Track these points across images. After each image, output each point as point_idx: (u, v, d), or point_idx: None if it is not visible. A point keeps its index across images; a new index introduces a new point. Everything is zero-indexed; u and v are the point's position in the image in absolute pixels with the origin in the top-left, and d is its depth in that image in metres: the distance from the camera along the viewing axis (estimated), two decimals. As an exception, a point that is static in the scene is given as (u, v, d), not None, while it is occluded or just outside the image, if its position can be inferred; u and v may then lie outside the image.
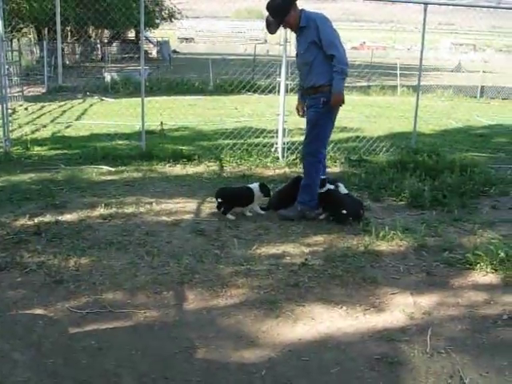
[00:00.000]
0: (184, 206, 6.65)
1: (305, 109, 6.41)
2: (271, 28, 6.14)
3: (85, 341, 3.90)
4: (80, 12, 26.19)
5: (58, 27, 20.75)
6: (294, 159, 8.79)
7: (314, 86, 6.08)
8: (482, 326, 4.29)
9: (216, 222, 6.13)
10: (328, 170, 8.34)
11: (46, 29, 23.07)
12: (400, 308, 4.47)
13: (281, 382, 3.52)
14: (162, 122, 11.15)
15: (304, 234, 5.90)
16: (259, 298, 4.52)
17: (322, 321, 4.25)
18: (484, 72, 24.39)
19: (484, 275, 5.09)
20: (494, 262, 5.14)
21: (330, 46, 5.90)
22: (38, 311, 4.29)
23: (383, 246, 5.63)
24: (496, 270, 5.10)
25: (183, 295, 4.51)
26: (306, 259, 5.18)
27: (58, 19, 21.17)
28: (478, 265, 5.18)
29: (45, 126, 11.98)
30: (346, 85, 6.10)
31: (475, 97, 22.67)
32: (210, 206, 6.71)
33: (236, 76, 12.61)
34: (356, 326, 4.22)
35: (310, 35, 5.92)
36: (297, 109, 6.62)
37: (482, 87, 23.28)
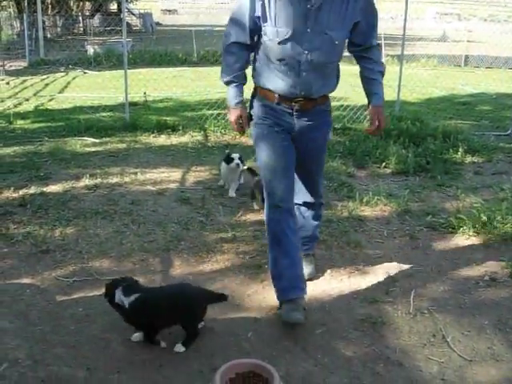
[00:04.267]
0: (169, 176, 6.66)
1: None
2: None
3: (72, 308, 3.94)
4: (60, -16, 25.83)
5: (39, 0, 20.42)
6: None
7: (325, 95, 3.70)
8: (463, 287, 4.37)
9: (201, 190, 6.15)
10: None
11: (26, 1, 22.69)
12: (383, 271, 4.54)
13: (267, 344, 3.57)
14: (145, 93, 11.07)
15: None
16: (245, 263, 4.58)
17: (306, 284, 4.30)
18: (469, 41, 24.34)
19: (466, 238, 5.16)
20: (477, 226, 5.21)
21: (374, 30, 3.63)
22: (26, 280, 4.31)
23: (367, 212, 5.68)
24: (478, 234, 5.18)
25: (169, 261, 4.56)
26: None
27: (38, -9, 20.86)
28: (461, 228, 5.25)
29: (27, 100, 11.87)
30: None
31: (460, 66, 22.64)
32: (194, 175, 6.73)
33: (220, 47, 12.51)
34: (340, 288, 4.28)
35: (353, 10, 3.42)
36: (238, 122, 3.73)
37: (467, 56, 23.24)
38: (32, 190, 6.10)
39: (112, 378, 3.26)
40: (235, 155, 5.94)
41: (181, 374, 3.31)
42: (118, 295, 3.53)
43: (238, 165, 5.87)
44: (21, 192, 6.02)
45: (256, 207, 5.65)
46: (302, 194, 4.12)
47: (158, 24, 31.77)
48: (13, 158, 7.36)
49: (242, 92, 3.67)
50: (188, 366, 3.37)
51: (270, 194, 3.74)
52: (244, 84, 3.68)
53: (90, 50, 20.83)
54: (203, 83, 13.85)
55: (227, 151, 6.40)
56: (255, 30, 3.50)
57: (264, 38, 3.48)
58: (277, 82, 3.55)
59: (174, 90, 13.10)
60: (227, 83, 3.65)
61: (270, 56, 3.51)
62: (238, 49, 3.55)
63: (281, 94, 3.58)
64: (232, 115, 3.72)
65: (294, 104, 3.60)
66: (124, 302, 3.50)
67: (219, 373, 3.10)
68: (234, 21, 3.55)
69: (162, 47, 20.58)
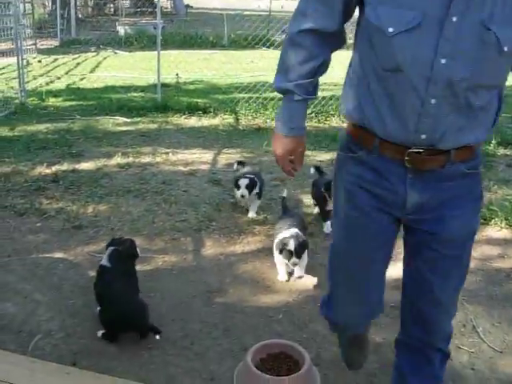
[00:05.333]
0: (200, 157, 6.67)
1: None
2: None
3: (104, 283, 3.98)
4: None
5: (71, -21, 20.48)
6: (309, 113, 8.73)
7: (468, 146, 2.08)
8: (495, 278, 4.33)
9: (232, 172, 6.14)
10: (320, 125, 8.34)
11: (59, -19, 22.81)
12: (415, 259, 4.49)
13: (297, 326, 3.58)
14: (177, 74, 11.13)
15: (319, 185, 5.90)
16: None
17: None
18: None
19: (498, 230, 5.10)
20: (509, 218, 5.15)
21: None
22: (58, 255, 4.37)
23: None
24: (510, 226, 5.11)
25: (201, 241, 4.58)
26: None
27: (71, -29, 20.93)
28: (493, 220, 5.19)
29: (59, 78, 11.96)
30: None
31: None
32: (225, 157, 6.74)
33: (251, 31, 12.46)
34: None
35: None
36: (288, 159, 2.40)
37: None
38: (64, 166, 6.16)
39: (143, 353, 3.30)
40: (242, 182, 4.93)
41: (211, 351, 3.33)
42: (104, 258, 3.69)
43: (242, 196, 4.95)
44: (53, 168, 6.08)
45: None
46: (409, 327, 2.52)
47: (188, 7, 31.67)
48: (45, 135, 7.43)
49: (304, 112, 2.24)
50: (218, 345, 3.40)
51: (333, 309, 2.63)
52: (311, 99, 2.24)
53: (121, 30, 20.86)
54: (234, 66, 13.83)
55: (236, 175, 5.30)
56: (349, 11, 2.06)
57: (364, 29, 1.97)
58: (380, 114, 1.99)
59: (205, 72, 13.10)
60: (283, 92, 2.18)
61: (371, 62, 1.98)
62: (314, 40, 2.05)
63: (385, 136, 2.02)
64: (280, 146, 2.29)
65: (408, 158, 2.01)
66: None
67: (250, 352, 3.12)
68: None
69: (193, 30, 20.56)
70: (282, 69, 2.17)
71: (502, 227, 5.13)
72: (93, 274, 3.92)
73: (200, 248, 4.49)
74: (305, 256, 4.05)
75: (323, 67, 2.17)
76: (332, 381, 3.15)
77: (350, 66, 2.16)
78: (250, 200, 5.01)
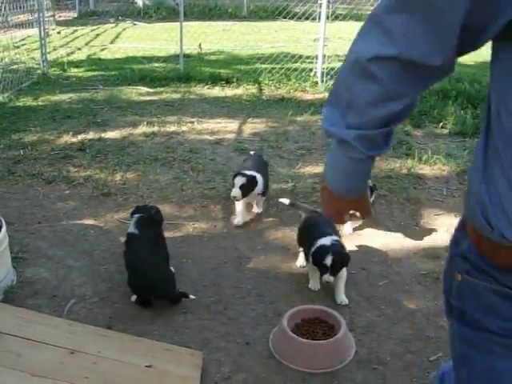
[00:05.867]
0: (225, 126, 6.64)
1: None
2: None
3: (136, 249, 3.99)
4: None
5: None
6: (333, 84, 8.62)
7: None
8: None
9: (258, 141, 6.13)
10: None
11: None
12: (444, 228, 4.48)
13: (331, 293, 3.56)
14: (200, 44, 11.06)
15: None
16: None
17: (367, 236, 4.29)
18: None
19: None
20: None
21: None
22: (89, 222, 4.39)
23: (426, 170, 5.59)
24: None
25: (230, 209, 4.55)
26: (351, 179, 5.17)
27: None
28: None
29: (79, 49, 11.92)
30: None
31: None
32: (251, 126, 6.71)
33: (271, 2, 12.31)
34: (401, 242, 4.25)
35: None
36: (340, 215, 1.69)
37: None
38: (90, 135, 6.16)
39: (177, 317, 3.32)
40: (238, 180, 4.24)
41: (245, 316, 3.34)
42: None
43: (234, 197, 4.27)
44: (79, 137, 6.09)
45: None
46: None
47: (206, -22, 31.38)
48: (69, 105, 7.43)
49: (368, 169, 1.53)
50: (252, 310, 3.40)
51: None
52: (380, 154, 1.49)
53: (139, 1, 20.73)
54: (254, 37, 13.71)
55: (238, 168, 4.70)
56: (472, 41, 1.26)
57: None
58: None
59: (226, 43, 13.00)
60: (339, 140, 1.46)
61: None
62: (399, 73, 1.29)
63: None
64: (330, 205, 1.65)
65: None
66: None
67: (285, 317, 3.13)
68: (409, 4, 1.22)
69: (212, 1, 20.37)
70: (339, 103, 1.43)
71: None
72: (124, 240, 3.94)
73: (230, 215, 4.48)
74: (343, 273, 3.50)
75: (405, 112, 1.40)
76: (367, 346, 3.15)
77: (489, 130, 1.32)
78: (252, 198, 4.42)
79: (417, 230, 4.45)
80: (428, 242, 4.30)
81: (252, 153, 5.10)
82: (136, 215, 3.71)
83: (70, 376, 2.62)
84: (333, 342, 2.98)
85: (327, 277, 3.38)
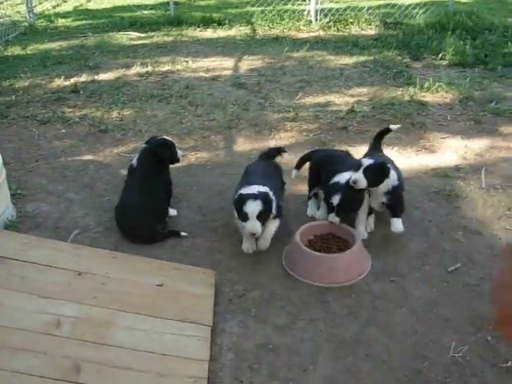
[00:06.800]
0: (221, 64, 6.47)
1: None
2: None
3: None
4: None
5: None
6: (327, 22, 8.44)
7: None
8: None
9: (256, 76, 5.97)
10: (363, 32, 8.09)
11: None
12: (451, 149, 4.39)
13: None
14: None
15: (346, 86, 5.73)
16: (309, 140, 4.46)
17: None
18: None
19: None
20: None
21: None
22: (87, 157, 4.27)
23: (428, 97, 5.46)
24: None
25: (232, 138, 4.45)
26: (353, 106, 5.05)
27: None
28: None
29: (65, 2, 11.59)
30: None
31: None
32: (247, 63, 6.53)
33: None
34: (409, 163, 4.15)
35: None
36: None
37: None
38: (83, 78, 5.99)
39: (185, 242, 3.23)
40: (251, 207, 2.90)
41: (256, 238, 3.24)
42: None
43: (253, 234, 2.98)
44: (72, 80, 5.91)
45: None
46: None
47: None
48: (59, 52, 7.22)
49: None
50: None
51: None
52: None
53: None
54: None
55: (239, 189, 3.08)
56: None
57: None
58: None
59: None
60: None
61: None
62: None
63: None
64: None
65: None
66: None
67: (298, 233, 3.03)
68: None
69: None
70: None
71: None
72: (125, 172, 3.82)
73: (232, 144, 4.37)
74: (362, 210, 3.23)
75: None
76: (383, 260, 3.07)
77: None
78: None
79: (424, 152, 4.36)
80: (436, 162, 4.20)
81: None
82: (142, 146, 3.51)
83: (79, 296, 2.54)
84: (349, 255, 2.89)
85: (332, 217, 3.08)
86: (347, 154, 3.51)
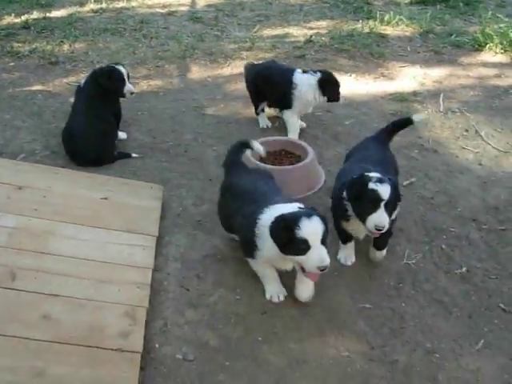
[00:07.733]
0: (178, 0, 6.29)
1: None
2: None
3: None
4: None
5: None
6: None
7: None
8: (493, 93, 4.20)
9: (213, 11, 5.82)
10: None
11: None
12: (410, 77, 4.37)
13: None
14: None
15: (306, 19, 5.64)
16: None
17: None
18: None
19: (493, 55, 4.91)
20: (504, 42, 4.93)
21: None
22: (36, 87, 4.11)
23: (388, 31, 5.40)
24: (506, 51, 4.90)
25: (186, 67, 4.34)
26: (311, 36, 4.96)
27: None
28: (487, 45, 4.97)
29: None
30: None
31: None
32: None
33: None
34: (367, 89, 4.11)
35: None
36: None
37: None
38: (34, 15, 5.75)
39: (135, 161, 3.12)
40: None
41: (207, 156, 3.19)
42: None
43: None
44: (23, 17, 5.67)
45: None
46: None
47: None
48: (8, -8, 6.93)
49: None
50: (214, 150, 3.26)
51: None
52: None
53: None
54: None
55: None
56: None
57: None
58: None
59: None
60: None
61: None
62: None
63: None
64: None
65: None
66: None
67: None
68: None
69: None
70: None
71: (496, 52, 4.93)
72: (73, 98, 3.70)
73: (186, 72, 4.26)
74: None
75: None
76: (335, 176, 3.01)
77: None
78: None
79: (382, 79, 4.32)
80: (394, 87, 4.17)
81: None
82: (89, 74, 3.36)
83: (18, 208, 2.44)
84: (300, 168, 2.83)
85: (384, 217, 2.23)
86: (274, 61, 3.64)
